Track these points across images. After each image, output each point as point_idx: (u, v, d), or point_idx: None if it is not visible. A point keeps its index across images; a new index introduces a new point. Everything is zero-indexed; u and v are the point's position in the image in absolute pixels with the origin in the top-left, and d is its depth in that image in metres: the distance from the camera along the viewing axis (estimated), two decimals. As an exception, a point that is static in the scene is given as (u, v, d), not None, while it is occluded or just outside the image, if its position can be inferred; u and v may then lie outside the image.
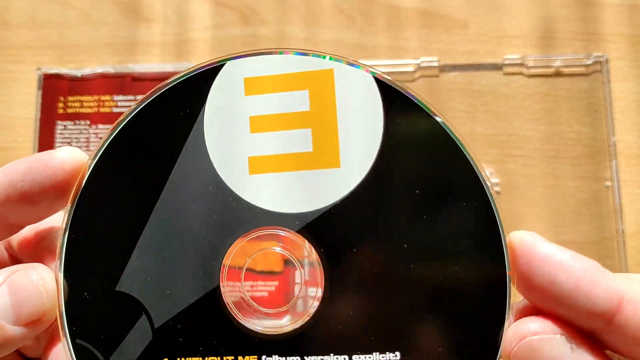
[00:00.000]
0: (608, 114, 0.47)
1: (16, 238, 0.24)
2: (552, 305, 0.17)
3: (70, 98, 0.49)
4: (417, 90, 0.21)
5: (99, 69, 0.49)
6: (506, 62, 0.49)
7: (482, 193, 0.20)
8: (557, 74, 0.49)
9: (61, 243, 0.21)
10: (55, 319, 0.21)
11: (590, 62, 0.48)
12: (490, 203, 0.20)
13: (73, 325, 0.21)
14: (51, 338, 0.22)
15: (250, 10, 0.51)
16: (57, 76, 0.49)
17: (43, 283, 0.20)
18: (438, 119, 0.20)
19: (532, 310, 0.18)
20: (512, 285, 0.19)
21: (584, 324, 0.17)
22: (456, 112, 0.49)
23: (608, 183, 0.47)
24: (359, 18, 0.51)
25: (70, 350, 0.21)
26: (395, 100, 0.20)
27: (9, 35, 0.52)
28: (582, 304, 0.17)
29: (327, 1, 0.51)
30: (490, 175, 0.48)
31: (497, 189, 0.47)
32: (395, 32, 0.51)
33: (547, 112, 0.48)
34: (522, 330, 0.18)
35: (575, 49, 0.49)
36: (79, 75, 0.49)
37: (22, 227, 0.22)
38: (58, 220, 0.22)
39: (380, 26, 0.51)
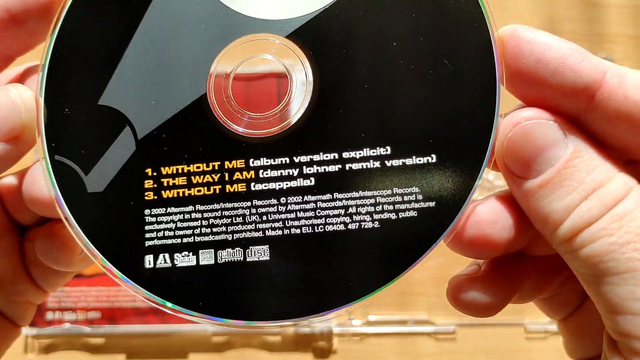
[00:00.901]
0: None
1: (5, 77, 0.24)
2: (536, 89, 0.18)
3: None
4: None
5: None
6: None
7: None
8: (562, 75, 0.49)
9: (43, 60, 0.21)
10: (36, 139, 0.21)
11: (595, 63, 0.48)
12: (480, 4, 0.20)
13: (52, 142, 0.21)
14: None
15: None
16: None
17: (21, 97, 0.20)
18: None
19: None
20: (501, 83, 0.19)
21: (568, 106, 0.18)
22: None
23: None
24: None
25: (48, 166, 0.20)
26: None
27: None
28: (568, 79, 0.17)
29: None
30: (494, 177, 0.48)
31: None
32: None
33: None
34: (516, 117, 0.18)
35: (580, 50, 0.49)
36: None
37: (9, 59, 0.22)
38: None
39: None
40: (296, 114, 0.21)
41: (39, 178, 0.21)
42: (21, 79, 0.22)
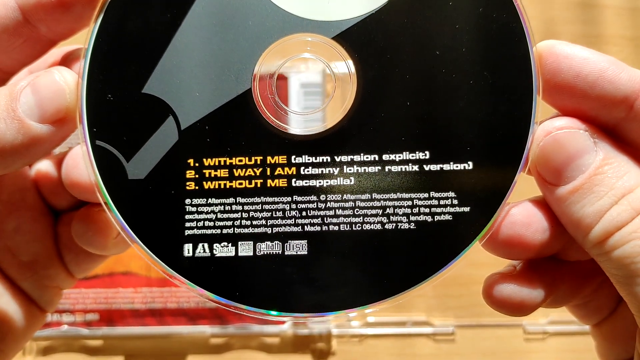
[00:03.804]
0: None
1: (44, 65, 0.24)
2: (575, 100, 0.19)
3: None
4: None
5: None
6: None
7: (512, 6, 0.21)
8: (560, 77, 0.49)
9: (87, 43, 0.21)
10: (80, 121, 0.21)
11: (592, 64, 0.49)
12: (519, 16, 0.20)
13: (93, 127, 0.21)
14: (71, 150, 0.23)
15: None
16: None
17: (65, 80, 0.21)
18: None
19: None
20: (538, 94, 0.20)
21: (606, 116, 0.19)
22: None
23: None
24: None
25: (89, 151, 0.21)
26: None
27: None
28: (607, 91, 0.18)
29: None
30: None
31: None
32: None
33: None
34: (549, 127, 0.19)
35: (577, 52, 0.50)
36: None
37: (52, 43, 0.23)
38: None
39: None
40: (339, 114, 0.21)
41: (79, 162, 0.22)
42: (64, 62, 0.23)
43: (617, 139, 0.19)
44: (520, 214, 0.20)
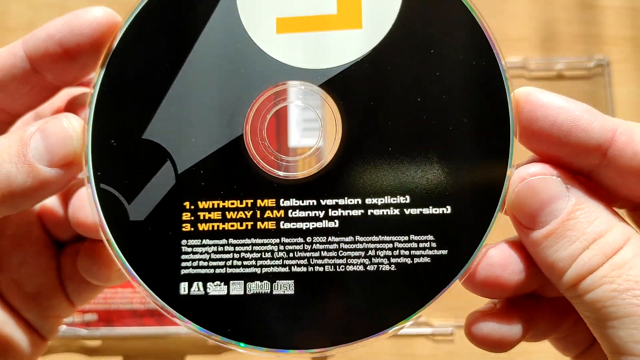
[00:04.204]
0: (610, 116, 0.48)
1: (47, 109, 0.26)
2: (552, 148, 0.20)
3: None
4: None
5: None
6: (508, 65, 0.49)
7: (491, 55, 0.21)
8: (559, 77, 0.50)
9: (92, 93, 0.23)
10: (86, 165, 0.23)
11: (592, 64, 0.49)
12: (498, 65, 0.21)
13: (98, 170, 0.22)
14: (74, 186, 0.25)
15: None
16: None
17: (72, 127, 0.22)
18: None
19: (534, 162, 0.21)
20: (515, 138, 0.21)
21: (581, 163, 0.20)
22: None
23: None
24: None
25: (94, 193, 0.22)
26: None
27: (8, 40, 0.52)
28: (581, 139, 0.19)
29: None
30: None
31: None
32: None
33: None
34: (523, 173, 0.20)
35: (577, 52, 0.50)
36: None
37: (58, 89, 0.24)
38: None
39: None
40: (324, 160, 0.23)
41: (85, 203, 0.23)
42: (69, 106, 0.24)
43: (592, 184, 0.20)
44: (497, 255, 0.21)
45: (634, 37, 0.51)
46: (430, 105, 0.22)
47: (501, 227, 0.21)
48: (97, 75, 0.23)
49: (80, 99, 0.24)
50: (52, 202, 0.26)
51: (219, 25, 0.23)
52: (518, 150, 0.21)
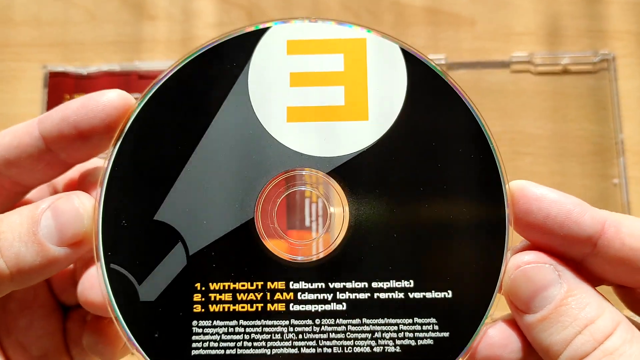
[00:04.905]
0: (615, 111, 0.48)
1: (62, 180, 0.27)
2: (546, 238, 0.21)
3: (76, 96, 0.49)
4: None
5: (105, 67, 0.50)
6: (513, 59, 0.50)
7: (487, 148, 0.23)
8: (565, 72, 0.50)
9: (104, 173, 0.23)
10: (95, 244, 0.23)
11: (597, 59, 0.49)
12: (494, 157, 0.23)
13: (108, 250, 0.23)
14: (85, 263, 0.25)
15: (255, 7, 0.52)
16: (63, 74, 0.50)
17: (84, 207, 0.22)
18: (450, 83, 0.24)
19: (529, 249, 0.22)
20: (510, 226, 0.22)
21: (573, 252, 0.21)
22: (464, 110, 0.49)
23: (616, 180, 0.47)
24: (365, 15, 0.52)
25: (104, 273, 0.22)
26: (416, 65, 0.24)
27: (13, 33, 0.53)
28: (573, 231, 0.21)
29: (334, -1, 0.52)
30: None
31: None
32: (402, 29, 0.52)
33: (554, 109, 0.49)
34: (518, 261, 0.21)
35: (582, 47, 0.50)
36: (85, 73, 0.50)
37: (71, 166, 0.25)
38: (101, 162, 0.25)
39: (387, 23, 0.52)
40: (333, 245, 0.23)
41: (94, 283, 0.23)
42: (82, 182, 0.25)
43: (583, 272, 0.21)
44: (497, 335, 0.22)
45: (639, 31, 0.51)
46: (432, 194, 0.23)
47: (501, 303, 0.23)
48: (109, 154, 0.23)
49: (93, 175, 0.25)
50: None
51: (232, 110, 0.24)
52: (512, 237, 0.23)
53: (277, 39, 0.24)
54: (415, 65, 0.24)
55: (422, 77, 0.24)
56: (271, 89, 0.24)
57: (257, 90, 0.24)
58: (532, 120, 0.49)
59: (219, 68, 0.24)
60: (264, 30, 0.24)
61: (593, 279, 0.21)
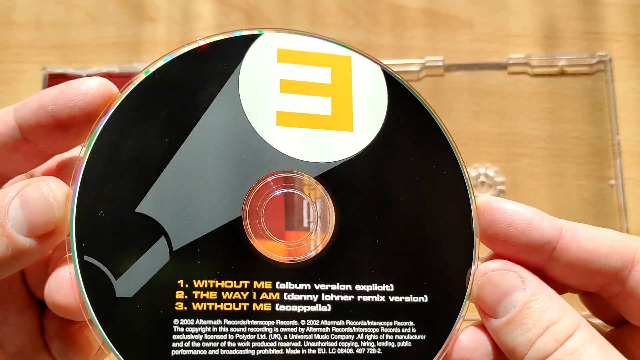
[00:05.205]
0: (612, 112, 0.49)
1: (39, 170, 0.25)
2: (508, 246, 0.23)
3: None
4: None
5: (105, 69, 0.50)
6: (511, 61, 0.50)
7: (457, 167, 0.25)
8: (562, 73, 0.50)
9: (80, 161, 0.22)
10: (68, 235, 0.21)
11: (594, 61, 0.50)
12: (463, 176, 0.25)
13: (82, 242, 0.21)
14: (57, 257, 0.23)
15: (254, 9, 0.53)
16: (63, 75, 0.50)
17: (53, 195, 0.21)
18: (424, 104, 0.25)
19: (495, 259, 0.23)
20: (477, 238, 0.24)
21: (535, 259, 0.22)
22: (461, 112, 0.50)
23: (612, 181, 0.48)
24: (363, 18, 0.52)
25: (76, 266, 0.21)
26: (396, 86, 0.25)
27: (14, 35, 0.53)
28: (534, 237, 0.22)
29: (332, 1, 0.52)
30: (495, 174, 0.49)
31: (502, 187, 0.49)
32: (400, 31, 0.52)
33: (551, 111, 0.50)
34: (485, 269, 0.23)
35: (579, 49, 0.50)
36: (85, 74, 0.50)
37: (50, 156, 0.24)
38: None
39: (385, 26, 0.52)
40: (319, 246, 0.24)
41: (63, 284, 0.21)
42: (59, 170, 0.24)
43: (546, 279, 0.22)
44: (468, 339, 0.23)
45: (636, 33, 0.51)
46: (410, 205, 0.24)
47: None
48: (87, 142, 0.22)
49: (72, 164, 0.23)
50: (33, 263, 0.24)
51: (222, 108, 0.24)
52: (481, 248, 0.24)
53: (268, 46, 0.25)
54: (395, 86, 0.25)
55: (400, 96, 0.25)
56: (261, 93, 0.24)
57: (248, 92, 0.24)
58: (529, 121, 0.50)
59: (210, 66, 0.24)
60: (256, 36, 0.25)
61: (557, 286, 0.22)
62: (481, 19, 0.52)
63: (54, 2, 0.54)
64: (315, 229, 0.25)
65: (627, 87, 0.50)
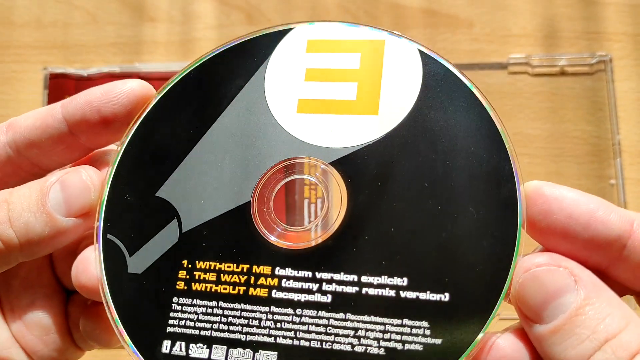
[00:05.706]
0: (612, 112, 0.48)
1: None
2: (566, 242, 0.19)
3: (76, 97, 0.50)
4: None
5: (105, 69, 0.50)
6: (511, 61, 0.50)
7: (502, 148, 0.22)
8: (562, 73, 0.50)
9: (117, 152, 0.24)
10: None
11: (594, 61, 0.50)
12: (509, 157, 0.21)
13: (107, 222, 0.23)
14: (85, 247, 0.25)
15: (255, 9, 0.53)
16: (64, 76, 0.50)
17: (91, 180, 0.24)
18: (467, 83, 0.23)
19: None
20: (522, 229, 0.20)
21: (597, 258, 0.19)
22: (461, 111, 0.50)
23: (612, 181, 0.48)
24: (363, 17, 0.52)
25: (99, 243, 0.23)
26: (433, 68, 0.24)
27: (15, 35, 0.53)
28: (599, 232, 0.18)
29: (332, 0, 0.52)
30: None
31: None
32: (400, 31, 0.52)
33: (551, 110, 0.50)
34: (528, 263, 0.19)
35: (579, 48, 0.50)
36: (85, 74, 0.50)
37: (89, 150, 0.26)
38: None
39: (385, 25, 0.52)
40: (326, 233, 0.23)
41: (88, 266, 0.24)
42: (94, 161, 0.26)
43: (607, 280, 0.19)
44: (508, 348, 0.19)
45: (636, 33, 0.51)
46: (438, 192, 0.22)
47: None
48: (125, 136, 0.24)
49: (106, 155, 0.26)
50: (63, 250, 0.26)
51: (245, 100, 0.24)
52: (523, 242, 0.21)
53: (298, 38, 0.25)
54: (432, 66, 0.23)
55: (438, 77, 0.23)
56: (286, 83, 0.24)
57: (272, 83, 0.25)
58: (529, 121, 0.50)
59: (240, 62, 0.25)
60: (287, 30, 0.25)
61: (618, 288, 0.19)
62: (481, 19, 0.52)
63: (54, 2, 0.54)
64: (324, 216, 0.24)
65: (627, 86, 0.50)
